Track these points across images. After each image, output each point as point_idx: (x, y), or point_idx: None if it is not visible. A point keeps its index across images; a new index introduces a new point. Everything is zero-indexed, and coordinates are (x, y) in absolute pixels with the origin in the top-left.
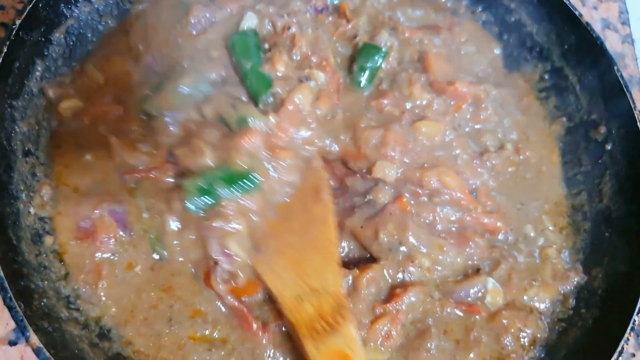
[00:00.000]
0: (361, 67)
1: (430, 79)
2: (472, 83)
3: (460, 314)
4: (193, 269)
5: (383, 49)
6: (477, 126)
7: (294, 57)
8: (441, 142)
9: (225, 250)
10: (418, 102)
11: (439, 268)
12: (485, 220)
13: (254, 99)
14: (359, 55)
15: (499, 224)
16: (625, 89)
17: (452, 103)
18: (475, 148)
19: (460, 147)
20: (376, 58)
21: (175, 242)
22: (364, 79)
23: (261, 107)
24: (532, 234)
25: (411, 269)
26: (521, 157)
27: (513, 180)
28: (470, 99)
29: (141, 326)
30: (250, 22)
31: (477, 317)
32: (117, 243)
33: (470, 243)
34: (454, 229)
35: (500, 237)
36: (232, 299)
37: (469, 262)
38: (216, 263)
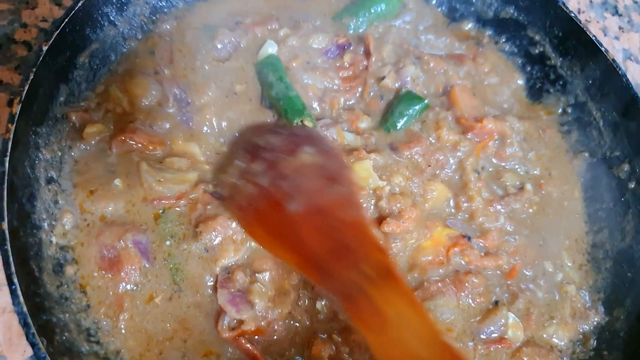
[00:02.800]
0: (400, 114)
1: (456, 114)
2: (498, 118)
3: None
4: (208, 306)
5: (426, 101)
6: (501, 164)
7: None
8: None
9: (236, 299)
10: (446, 154)
11: (454, 317)
12: (485, 262)
13: (288, 120)
14: (400, 102)
15: (517, 260)
16: None
17: (478, 140)
18: (495, 190)
19: (475, 192)
20: (417, 107)
21: (195, 275)
22: (401, 123)
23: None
24: (550, 269)
25: None
26: (543, 192)
27: (533, 218)
28: (497, 135)
29: None
30: (270, 49)
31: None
32: (141, 274)
33: (466, 284)
34: (448, 280)
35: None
36: (242, 342)
37: (478, 299)
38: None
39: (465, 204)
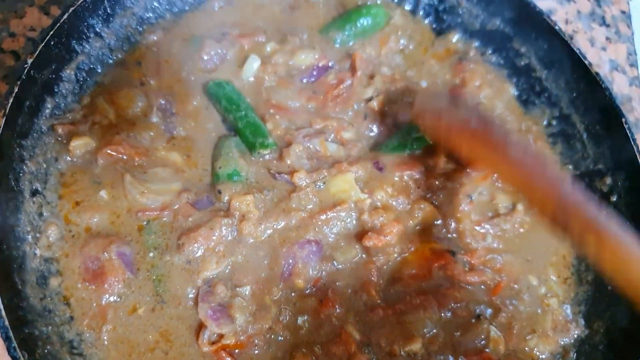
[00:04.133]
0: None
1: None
2: None
3: None
4: (191, 318)
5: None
6: (497, 184)
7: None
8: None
9: (217, 314)
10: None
11: (436, 331)
12: (469, 278)
13: (250, 149)
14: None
15: (502, 278)
16: (632, 142)
17: (478, 175)
18: (485, 211)
19: (465, 215)
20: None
21: (178, 287)
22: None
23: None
24: (535, 283)
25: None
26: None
27: (522, 237)
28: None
29: None
30: (254, 64)
31: None
32: (124, 285)
33: (449, 299)
34: (430, 294)
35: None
36: (223, 356)
37: (460, 314)
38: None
39: (453, 224)
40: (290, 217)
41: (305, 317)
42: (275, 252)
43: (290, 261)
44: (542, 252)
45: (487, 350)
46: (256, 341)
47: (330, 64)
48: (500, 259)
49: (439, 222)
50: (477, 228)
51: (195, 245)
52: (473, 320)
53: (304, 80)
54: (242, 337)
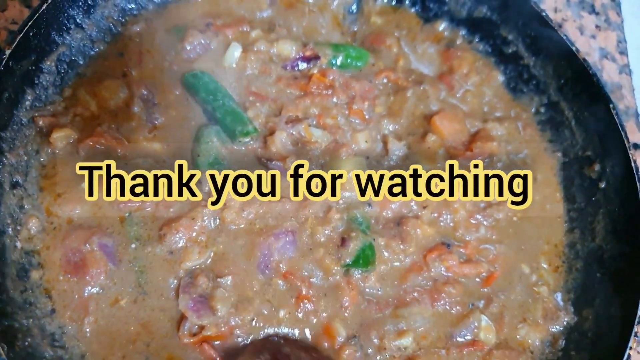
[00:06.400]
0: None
1: (446, 144)
2: (483, 139)
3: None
4: (173, 310)
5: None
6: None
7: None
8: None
9: (198, 305)
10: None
11: (428, 326)
12: (465, 270)
13: (231, 138)
14: None
15: (496, 268)
16: (620, 128)
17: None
18: (479, 202)
19: (460, 205)
20: None
21: (160, 278)
22: None
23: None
24: (526, 271)
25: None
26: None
27: (515, 226)
28: (486, 155)
29: None
30: (235, 52)
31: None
32: (106, 277)
33: (443, 294)
34: (424, 290)
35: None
36: (205, 348)
37: (455, 308)
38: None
39: (449, 216)
40: (274, 204)
41: (286, 310)
42: (253, 242)
43: (266, 252)
44: (534, 240)
45: (478, 339)
46: (238, 332)
47: (317, 56)
48: (494, 249)
49: (434, 214)
50: (471, 220)
51: (177, 235)
52: (465, 312)
53: (287, 68)
54: (223, 329)
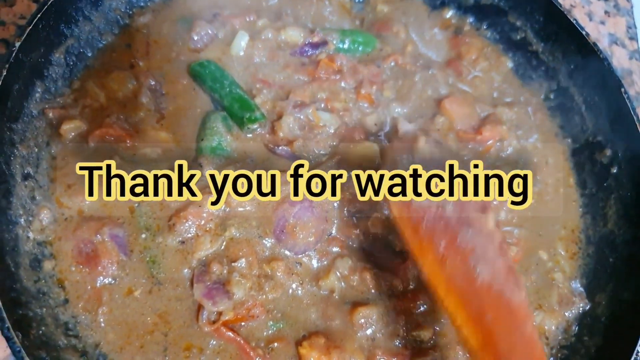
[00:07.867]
0: None
1: (456, 128)
2: (493, 122)
3: None
4: (189, 299)
5: None
6: (497, 163)
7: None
8: None
9: (213, 292)
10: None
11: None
12: None
13: (240, 125)
14: None
15: (518, 252)
16: (632, 112)
17: (480, 149)
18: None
19: None
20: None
21: (173, 268)
22: None
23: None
24: (544, 258)
25: None
26: (538, 177)
27: (533, 209)
28: (496, 140)
29: (137, 354)
30: (242, 41)
31: None
32: (118, 267)
33: None
34: None
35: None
36: (224, 332)
37: None
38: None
39: None
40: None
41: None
42: (267, 217)
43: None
44: (551, 225)
45: None
46: (257, 312)
47: (325, 41)
48: (516, 232)
49: None
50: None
51: (186, 224)
52: None
53: (295, 54)
54: (241, 311)
